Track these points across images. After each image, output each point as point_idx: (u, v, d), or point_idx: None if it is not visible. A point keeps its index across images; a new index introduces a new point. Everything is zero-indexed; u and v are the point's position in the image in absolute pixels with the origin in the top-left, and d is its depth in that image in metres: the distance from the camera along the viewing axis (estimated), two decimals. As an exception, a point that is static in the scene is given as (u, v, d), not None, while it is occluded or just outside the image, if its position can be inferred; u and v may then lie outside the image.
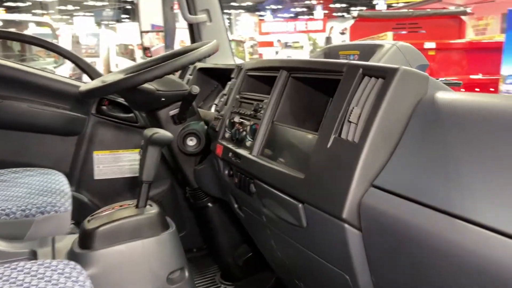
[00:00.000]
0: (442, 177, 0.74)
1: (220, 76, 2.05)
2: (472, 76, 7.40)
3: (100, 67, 14.45)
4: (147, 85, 1.55)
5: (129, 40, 15.48)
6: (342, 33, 12.36)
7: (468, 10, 10.25)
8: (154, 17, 3.05)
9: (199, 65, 2.09)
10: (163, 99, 1.62)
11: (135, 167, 2.17)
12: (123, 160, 2.15)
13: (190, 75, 2.11)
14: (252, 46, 20.53)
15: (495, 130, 0.72)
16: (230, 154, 1.33)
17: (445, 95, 0.87)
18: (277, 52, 25.23)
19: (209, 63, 2.10)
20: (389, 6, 23.34)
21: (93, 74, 2.03)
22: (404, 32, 9.56)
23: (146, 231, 1.27)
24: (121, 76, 1.81)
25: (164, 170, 2.19)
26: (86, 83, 1.73)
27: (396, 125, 0.87)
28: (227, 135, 1.44)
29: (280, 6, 31.53)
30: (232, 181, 1.40)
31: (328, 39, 16.08)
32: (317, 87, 1.20)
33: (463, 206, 0.68)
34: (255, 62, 1.43)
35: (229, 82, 1.60)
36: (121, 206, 1.34)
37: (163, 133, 1.27)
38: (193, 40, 2.31)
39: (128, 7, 25.14)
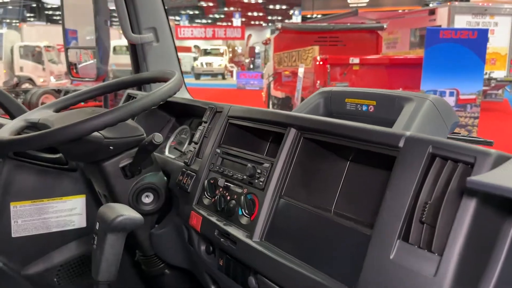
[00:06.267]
0: None
1: (173, 109, 1.72)
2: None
3: (1, 71, 13.09)
4: None
5: (36, 42, 14.26)
6: (265, 43, 12.34)
7: (385, 25, 10.73)
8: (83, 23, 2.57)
9: (148, 94, 1.73)
10: (111, 147, 1.26)
11: (63, 219, 1.75)
12: (48, 212, 1.72)
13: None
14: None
15: None
16: (216, 232, 1.02)
17: None
18: (195, 58, 24.79)
19: (159, 93, 1.74)
20: (304, 18, 24.01)
21: (12, 109, 1.58)
22: (325, 45, 9.72)
23: None
24: (51, 113, 1.41)
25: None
26: (4, 126, 1.31)
27: (493, 229, 0.64)
28: (206, 201, 1.12)
29: (196, 12, 31.10)
30: (214, 262, 1.09)
31: (251, 49, 16.08)
32: (347, 155, 0.93)
33: None
34: (245, 110, 1.12)
35: (200, 128, 1.29)
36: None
37: (129, 216, 0.92)
38: (136, 63, 1.94)
39: (34, 5, 23.19)
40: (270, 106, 10.41)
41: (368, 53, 9.16)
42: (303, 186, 0.93)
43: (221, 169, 1.11)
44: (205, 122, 1.27)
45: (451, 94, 7.30)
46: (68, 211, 1.75)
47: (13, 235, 1.67)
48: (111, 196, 1.34)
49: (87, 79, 2.24)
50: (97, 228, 0.94)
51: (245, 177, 1.02)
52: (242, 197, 0.98)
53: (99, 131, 1.21)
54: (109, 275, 0.93)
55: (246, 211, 0.97)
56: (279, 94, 10.16)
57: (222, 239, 0.99)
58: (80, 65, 2.52)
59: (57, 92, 11.30)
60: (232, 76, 23.08)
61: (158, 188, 1.34)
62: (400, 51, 12.47)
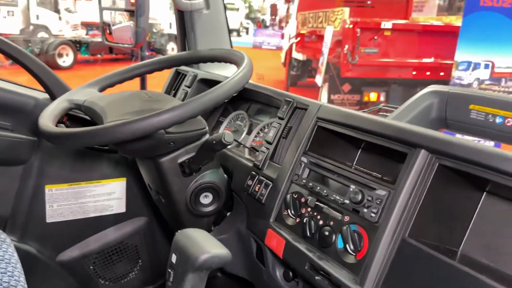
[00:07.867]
0: None
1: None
2: (424, 60, 7.29)
3: (18, 18, 12.79)
4: None
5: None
6: (288, 1, 11.79)
7: (417, -13, 10.15)
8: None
9: (201, 74, 1.52)
10: (171, 143, 1.07)
11: (101, 204, 1.60)
12: (86, 196, 1.57)
13: (188, 86, 1.54)
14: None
15: None
16: (308, 265, 0.84)
17: None
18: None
19: (211, 73, 1.53)
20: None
21: (51, 84, 1.39)
22: (352, 6, 9.24)
23: None
24: (96, 93, 1.22)
25: (138, 203, 1.65)
26: (45, 110, 1.12)
27: None
28: (289, 220, 0.94)
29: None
30: (295, 291, 0.93)
31: (273, 7, 15.45)
32: (483, 185, 0.73)
33: None
34: (346, 115, 0.91)
35: (274, 125, 1.09)
36: None
37: (218, 254, 0.74)
38: (183, 32, 1.71)
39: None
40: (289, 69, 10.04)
41: (396, 17, 8.69)
42: (434, 225, 0.74)
43: (310, 184, 0.92)
44: (281, 119, 1.08)
45: (486, 66, 6.90)
46: (106, 195, 1.59)
47: (47, 220, 1.52)
48: (166, 194, 1.17)
49: (121, 44, 2.02)
50: (174, 261, 0.77)
51: (347, 201, 0.83)
52: (345, 227, 0.80)
53: None
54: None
55: (351, 247, 0.79)
56: (300, 57, 9.79)
57: (317, 277, 0.82)
58: (114, 26, 2.29)
59: (73, 43, 11.04)
60: (247, 33, 22.40)
61: (218, 188, 1.16)
62: (427, 16, 11.90)
